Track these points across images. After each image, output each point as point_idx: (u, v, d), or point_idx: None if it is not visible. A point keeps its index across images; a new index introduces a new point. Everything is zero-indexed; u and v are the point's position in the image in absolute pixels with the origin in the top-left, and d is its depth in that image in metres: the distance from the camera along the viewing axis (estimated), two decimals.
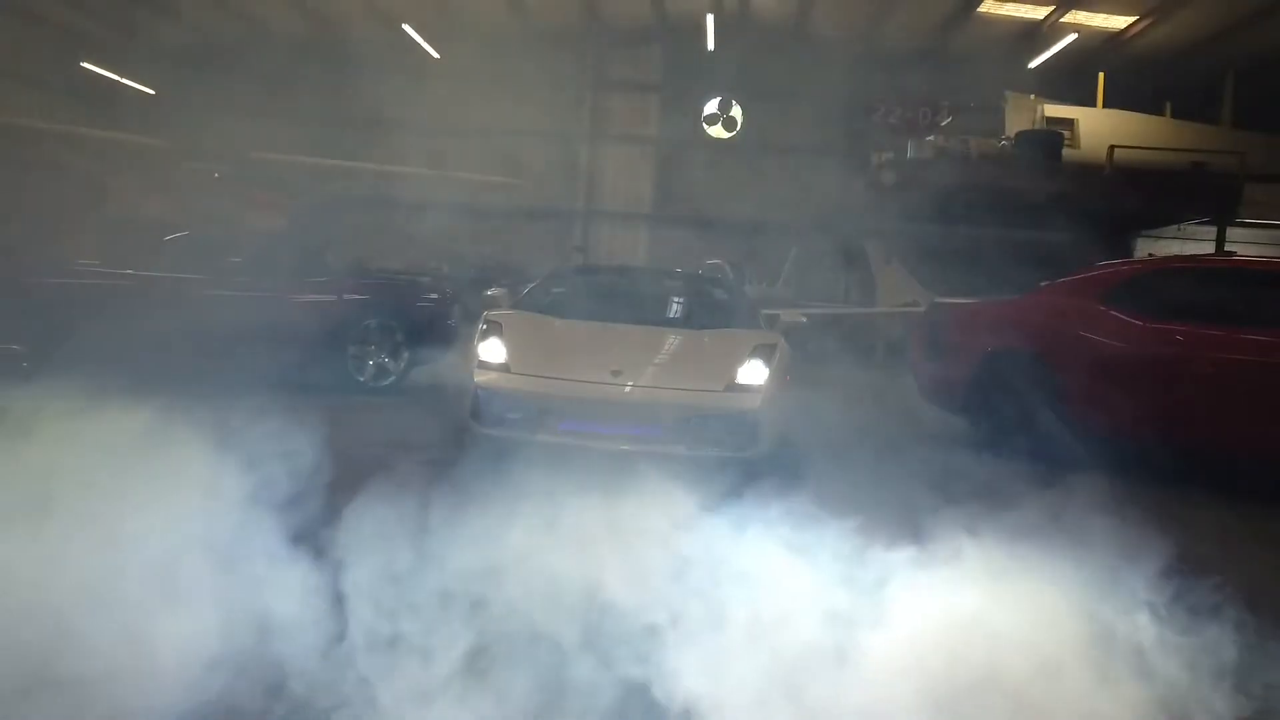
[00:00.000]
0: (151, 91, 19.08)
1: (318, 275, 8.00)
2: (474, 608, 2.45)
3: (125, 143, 15.06)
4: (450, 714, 2.14)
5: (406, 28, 18.79)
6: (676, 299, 6.67)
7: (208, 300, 7.07)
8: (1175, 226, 17.72)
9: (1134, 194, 16.51)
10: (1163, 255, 13.03)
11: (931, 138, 17.78)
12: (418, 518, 2.78)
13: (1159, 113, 18.30)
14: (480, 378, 5.20)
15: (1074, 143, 18.00)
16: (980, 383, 6.40)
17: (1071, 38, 18.02)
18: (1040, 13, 18.12)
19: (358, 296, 8.04)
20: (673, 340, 5.62)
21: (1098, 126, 17.92)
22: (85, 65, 17.73)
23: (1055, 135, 17.42)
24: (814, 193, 20.90)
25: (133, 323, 6.04)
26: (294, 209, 13.63)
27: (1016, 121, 18.33)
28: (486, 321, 5.64)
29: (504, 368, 5.25)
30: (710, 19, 19.06)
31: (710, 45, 20.12)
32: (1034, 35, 18.85)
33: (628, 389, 5.00)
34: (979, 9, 18.22)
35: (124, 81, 18.52)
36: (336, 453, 3.19)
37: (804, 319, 6.71)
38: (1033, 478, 4.09)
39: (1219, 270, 6.06)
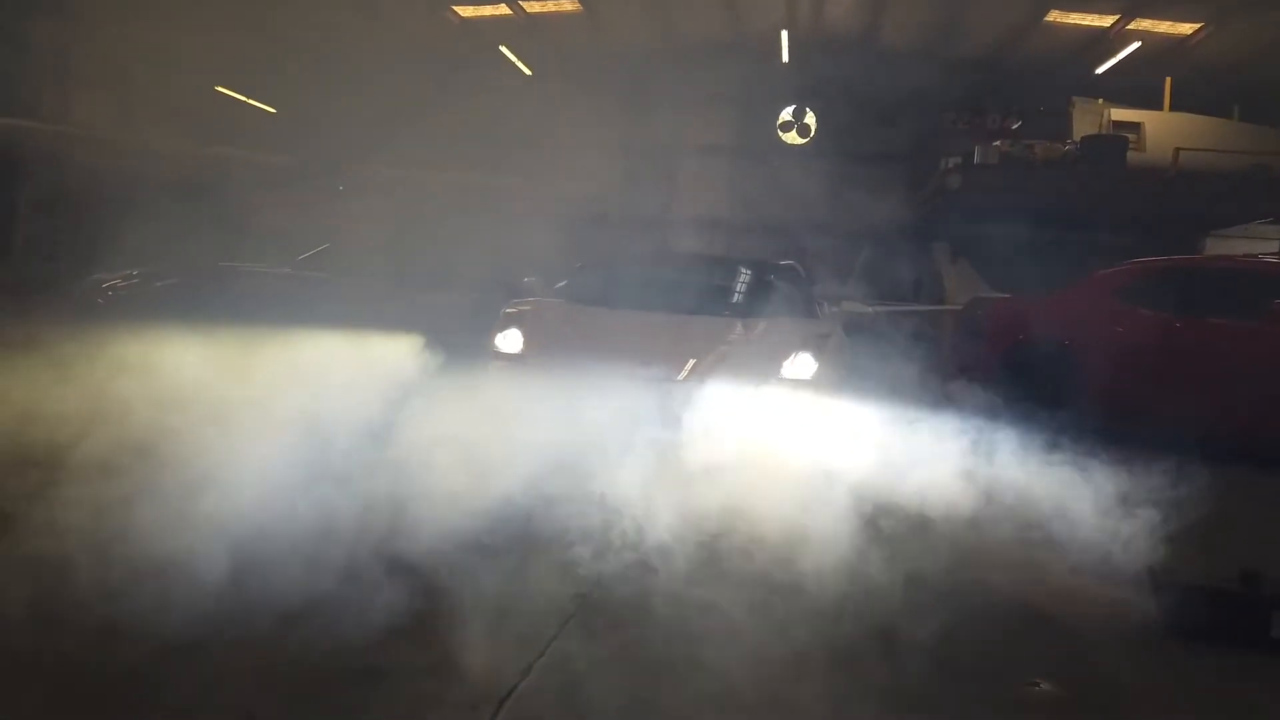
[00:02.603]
0: (274, 110, 21.02)
1: None
2: None
3: (258, 161, 16.91)
4: None
5: (503, 49, 20.35)
6: (726, 287, 6.17)
7: None
8: (1241, 226, 18.10)
9: (1198, 196, 17.02)
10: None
11: (997, 143, 18.50)
12: None
13: (1227, 115, 18.71)
14: (497, 371, 5.01)
15: (1140, 146, 18.54)
16: (1010, 363, 7.52)
17: (1136, 45, 18.56)
18: (1106, 21, 18.68)
19: None
20: (715, 330, 5.17)
21: (1164, 130, 18.40)
22: (220, 89, 19.70)
23: (1120, 140, 17.99)
24: (884, 196, 21.80)
25: None
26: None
27: (1083, 126, 18.93)
28: (506, 311, 5.43)
29: (519, 359, 5.00)
30: (785, 34, 20.12)
31: (785, 57, 21.17)
32: (1100, 42, 19.41)
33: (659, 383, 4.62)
34: (1045, 18, 18.86)
35: (252, 103, 20.50)
36: None
37: (869, 309, 7.55)
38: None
39: (1212, 268, 7.05)
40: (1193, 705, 2.44)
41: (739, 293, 6.05)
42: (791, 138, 23.96)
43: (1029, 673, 2.45)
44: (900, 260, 21.14)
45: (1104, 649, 2.60)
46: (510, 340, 5.15)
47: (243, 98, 20.19)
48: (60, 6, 16.62)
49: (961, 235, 18.77)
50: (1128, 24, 18.44)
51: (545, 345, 5.09)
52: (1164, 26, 18.49)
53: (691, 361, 4.79)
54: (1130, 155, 17.98)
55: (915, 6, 19.46)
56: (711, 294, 5.80)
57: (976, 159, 18.51)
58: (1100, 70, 19.67)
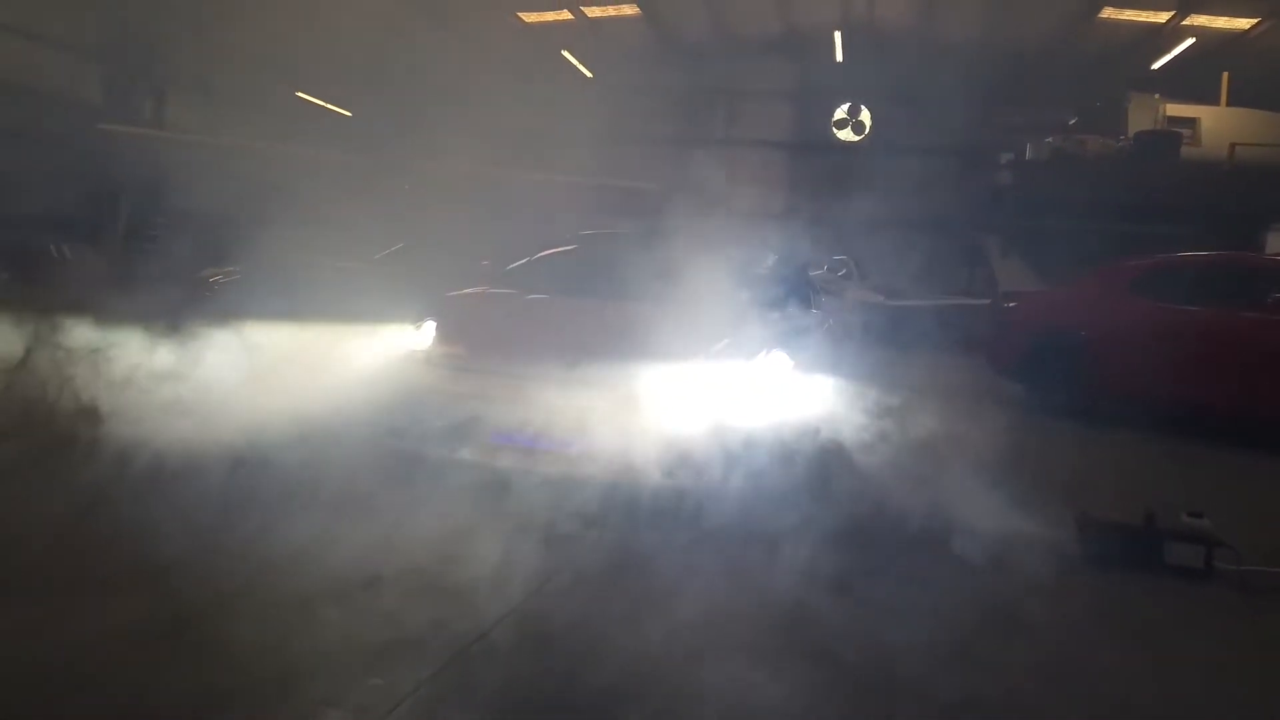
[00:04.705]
0: (349, 113, 22.17)
1: None
2: None
3: (337, 161, 17.97)
4: None
5: (565, 53, 21.18)
6: (702, 270, 4.85)
7: None
8: None
9: (1254, 190, 17.01)
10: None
11: (1049, 139, 18.70)
12: None
13: None
14: (396, 371, 4.34)
15: (1196, 141, 18.57)
16: (1034, 353, 8.06)
17: (1191, 41, 18.60)
18: (1162, 17, 18.75)
19: None
20: (673, 321, 4.16)
21: (1221, 125, 18.41)
22: (300, 94, 20.90)
23: (1173, 135, 18.05)
24: (938, 192, 22.08)
25: None
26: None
27: (1139, 121, 19.00)
28: (430, 300, 4.79)
29: (424, 356, 4.31)
30: (838, 35, 20.56)
31: (839, 55, 21.60)
32: (1156, 37, 19.46)
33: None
34: (1100, 15, 19.00)
35: (329, 106, 21.69)
36: None
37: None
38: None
39: (1220, 262, 7.49)
40: (1093, 602, 3.14)
41: (712, 279, 4.80)
42: (846, 134, 24.36)
43: (959, 587, 3.14)
44: (952, 254, 21.46)
45: (1031, 567, 3.28)
46: (421, 334, 4.46)
47: (321, 102, 21.35)
48: (154, 21, 17.94)
49: (1013, 229, 19.00)
50: (1183, 19, 18.48)
51: (455, 340, 4.36)
52: (1221, 22, 18.49)
53: (626, 359, 3.89)
54: (1186, 150, 18.03)
55: (968, 2, 19.73)
56: (677, 281, 4.63)
57: (1028, 155, 18.76)
58: (1156, 65, 19.68)
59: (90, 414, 4.19)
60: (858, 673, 2.50)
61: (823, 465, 3.95)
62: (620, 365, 3.82)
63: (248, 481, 3.61)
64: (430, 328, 4.46)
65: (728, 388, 3.86)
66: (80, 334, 4.89)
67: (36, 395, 4.43)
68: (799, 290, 5.22)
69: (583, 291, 4.79)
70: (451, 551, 3.09)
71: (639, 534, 3.48)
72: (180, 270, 10.25)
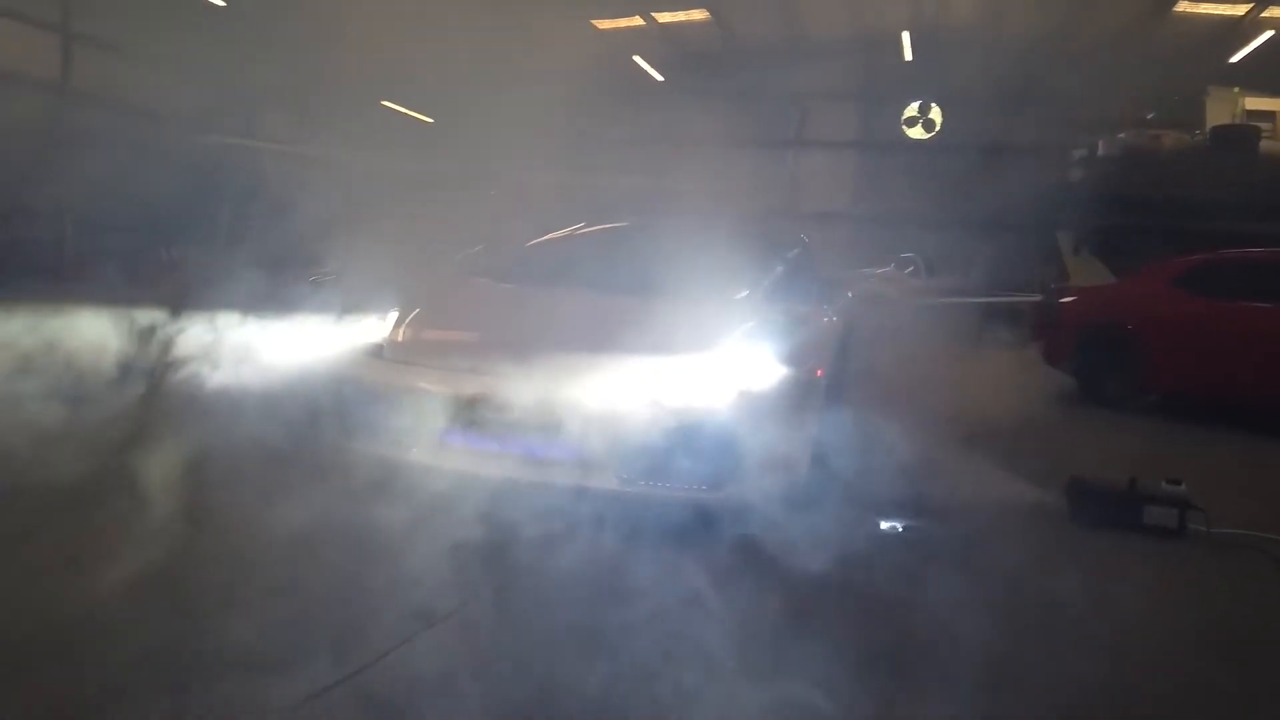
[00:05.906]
0: (431, 120, 23.15)
1: None
2: None
3: (419, 168, 18.88)
4: None
5: (636, 59, 21.77)
6: (689, 264, 4.48)
7: None
8: None
9: None
10: None
11: (1122, 135, 18.56)
12: None
13: None
14: (348, 366, 4.10)
15: (1276, 135, 18.24)
16: (1085, 346, 8.37)
17: (1270, 34, 18.26)
18: (1240, 9, 18.45)
19: None
20: (645, 315, 3.88)
21: None
22: (385, 104, 21.93)
23: (1250, 129, 17.78)
24: (1008, 189, 21.98)
25: None
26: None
27: (1217, 115, 18.74)
28: (405, 290, 4.56)
29: (377, 351, 4.11)
30: (906, 35, 20.69)
31: (908, 55, 21.72)
32: (1234, 30, 19.12)
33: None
34: (1175, 8, 18.78)
35: (412, 114, 22.69)
36: None
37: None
38: None
39: (1262, 259, 7.66)
40: (1077, 556, 3.60)
41: (698, 274, 4.32)
42: (916, 133, 24.41)
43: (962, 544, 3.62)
44: (1024, 251, 21.36)
45: (1024, 525, 3.76)
46: (382, 328, 4.29)
47: (404, 109, 22.36)
48: (243, 38, 19.14)
49: (1087, 226, 18.87)
50: (1262, 11, 18.15)
51: (411, 335, 4.16)
52: None
53: (588, 352, 3.64)
54: (1266, 144, 17.74)
55: None
56: (659, 273, 4.24)
57: (1100, 151, 18.65)
58: (1235, 59, 19.34)
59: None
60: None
61: (799, 456, 3.78)
62: (582, 359, 3.56)
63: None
64: (391, 321, 4.29)
65: (697, 383, 3.57)
66: (186, 327, 5.58)
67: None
68: (798, 285, 4.85)
69: (558, 282, 4.55)
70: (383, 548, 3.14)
71: (574, 538, 3.34)
72: (279, 271, 11.18)
